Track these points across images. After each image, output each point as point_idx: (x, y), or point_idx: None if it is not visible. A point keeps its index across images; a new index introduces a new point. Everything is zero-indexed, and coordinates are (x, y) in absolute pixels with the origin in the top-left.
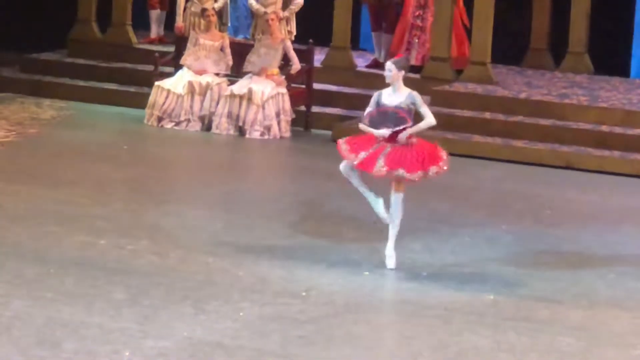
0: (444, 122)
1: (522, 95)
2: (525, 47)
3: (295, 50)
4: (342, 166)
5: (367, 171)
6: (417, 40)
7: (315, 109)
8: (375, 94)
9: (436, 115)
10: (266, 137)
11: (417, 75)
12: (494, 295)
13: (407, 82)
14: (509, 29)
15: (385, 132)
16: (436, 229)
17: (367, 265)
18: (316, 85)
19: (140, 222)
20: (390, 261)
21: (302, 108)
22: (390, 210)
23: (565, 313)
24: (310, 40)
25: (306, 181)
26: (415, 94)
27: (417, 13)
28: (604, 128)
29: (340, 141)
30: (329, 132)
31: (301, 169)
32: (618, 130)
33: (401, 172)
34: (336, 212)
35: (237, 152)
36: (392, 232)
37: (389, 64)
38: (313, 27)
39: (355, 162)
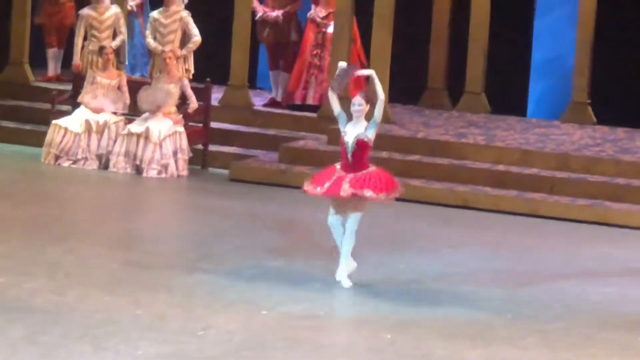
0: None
1: (420, 135)
2: (422, 87)
3: (192, 88)
4: (330, 220)
5: (335, 194)
6: (314, 79)
7: (212, 147)
8: (344, 116)
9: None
10: (163, 175)
11: (314, 114)
12: (392, 333)
13: (304, 121)
14: (406, 68)
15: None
16: (333, 269)
17: (265, 304)
18: (213, 124)
19: (38, 260)
20: (346, 281)
21: (200, 146)
22: (347, 226)
23: (463, 352)
24: (208, 79)
25: (203, 220)
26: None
27: (314, 52)
28: (501, 167)
29: (306, 186)
30: (227, 171)
31: (198, 207)
32: (514, 169)
33: (368, 193)
34: (233, 251)
35: (135, 190)
36: (347, 250)
37: (359, 99)
38: (211, 65)
39: (322, 191)
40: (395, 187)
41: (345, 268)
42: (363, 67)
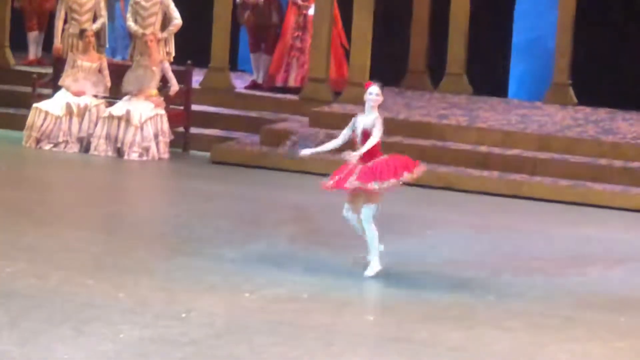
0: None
1: (401, 116)
2: (403, 69)
3: (173, 71)
4: (345, 214)
5: (341, 188)
6: (296, 62)
7: (193, 130)
8: (354, 119)
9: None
10: (145, 158)
11: (295, 97)
12: (375, 316)
13: (286, 104)
14: (388, 51)
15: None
16: (315, 251)
17: (248, 286)
18: (195, 107)
19: (19, 244)
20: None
21: (181, 129)
22: (362, 219)
23: (445, 334)
24: (189, 61)
25: (185, 203)
26: (379, 119)
27: (296, 34)
28: (483, 149)
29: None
30: (208, 154)
31: (180, 190)
32: (497, 150)
33: (376, 185)
34: (215, 233)
35: (116, 173)
36: (370, 246)
37: (376, 89)
38: (191, 48)
39: (330, 184)
40: (411, 169)
41: (373, 264)
42: (344, 49)
